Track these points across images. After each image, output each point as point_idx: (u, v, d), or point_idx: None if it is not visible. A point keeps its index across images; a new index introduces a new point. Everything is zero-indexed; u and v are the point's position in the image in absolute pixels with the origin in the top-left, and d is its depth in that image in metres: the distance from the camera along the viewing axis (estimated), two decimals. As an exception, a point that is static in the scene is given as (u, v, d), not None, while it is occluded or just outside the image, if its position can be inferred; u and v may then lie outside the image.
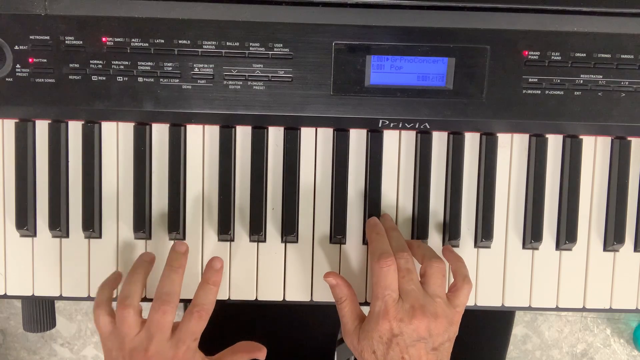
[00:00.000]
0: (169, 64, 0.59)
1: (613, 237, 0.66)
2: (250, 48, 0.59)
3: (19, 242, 0.65)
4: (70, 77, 0.59)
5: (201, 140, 0.65)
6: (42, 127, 0.64)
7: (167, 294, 0.57)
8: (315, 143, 0.65)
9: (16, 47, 0.58)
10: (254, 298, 0.66)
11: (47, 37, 0.58)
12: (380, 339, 0.56)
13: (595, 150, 0.66)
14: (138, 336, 0.56)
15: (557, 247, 0.67)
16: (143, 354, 0.55)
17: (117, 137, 0.64)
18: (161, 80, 0.59)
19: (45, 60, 0.59)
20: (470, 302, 0.66)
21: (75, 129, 0.64)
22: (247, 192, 0.65)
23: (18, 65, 0.58)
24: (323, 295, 0.66)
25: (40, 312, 0.69)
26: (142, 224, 0.64)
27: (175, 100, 0.60)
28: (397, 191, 0.66)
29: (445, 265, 0.61)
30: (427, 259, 0.60)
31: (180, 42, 0.58)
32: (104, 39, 0.58)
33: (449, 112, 0.61)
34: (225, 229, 0.64)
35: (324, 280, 0.63)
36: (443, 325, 0.56)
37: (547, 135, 0.65)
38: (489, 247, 0.66)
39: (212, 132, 0.64)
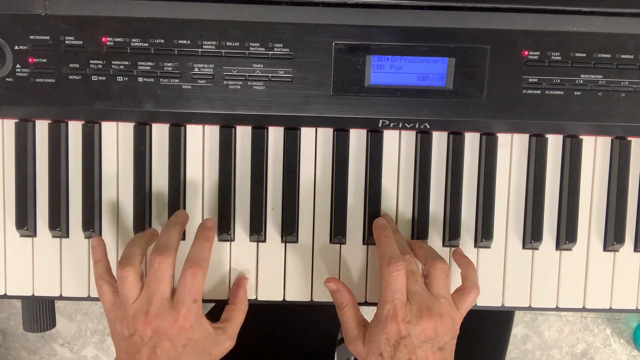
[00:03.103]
0: (169, 64, 0.59)
1: (613, 237, 0.66)
2: (250, 48, 0.59)
3: (19, 242, 0.65)
4: (70, 77, 0.59)
5: (201, 140, 0.65)
6: (42, 127, 0.64)
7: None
8: (315, 143, 0.65)
9: (16, 47, 0.58)
10: (254, 298, 0.66)
11: (47, 37, 0.58)
12: (388, 342, 0.56)
13: (595, 150, 0.66)
14: (139, 300, 0.55)
15: (557, 247, 0.67)
16: (144, 317, 0.54)
17: (117, 137, 0.64)
18: (161, 80, 0.59)
19: (45, 60, 0.59)
20: (471, 302, 0.66)
21: (75, 129, 0.64)
22: (247, 192, 0.65)
23: (18, 65, 0.58)
24: (323, 295, 0.66)
25: (40, 312, 0.68)
26: (142, 224, 0.64)
27: (175, 100, 0.60)
28: (397, 191, 0.66)
29: (448, 264, 0.61)
30: (430, 260, 0.60)
31: (180, 42, 0.58)
32: (104, 39, 0.58)
33: (449, 112, 0.61)
34: (225, 229, 0.64)
35: (324, 284, 0.63)
36: (448, 325, 0.57)
37: (547, 135, 0.65)
38: (489, 247, 0.66)
39: (212, 132, 0.64)
